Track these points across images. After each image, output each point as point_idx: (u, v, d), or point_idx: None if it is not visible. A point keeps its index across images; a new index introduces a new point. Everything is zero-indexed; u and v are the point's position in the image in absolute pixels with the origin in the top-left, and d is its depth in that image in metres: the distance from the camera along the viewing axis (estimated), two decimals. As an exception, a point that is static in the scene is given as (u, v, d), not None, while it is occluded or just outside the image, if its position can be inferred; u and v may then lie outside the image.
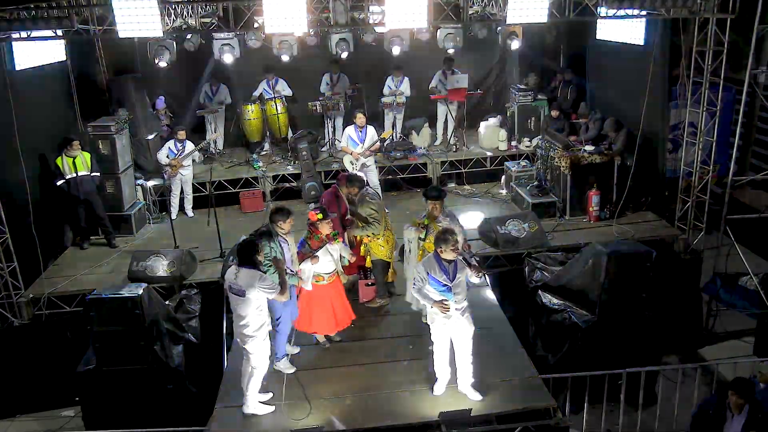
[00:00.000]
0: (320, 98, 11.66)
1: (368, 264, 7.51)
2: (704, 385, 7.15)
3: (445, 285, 5.77)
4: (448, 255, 5.71)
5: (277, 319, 6.36)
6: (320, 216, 6.41)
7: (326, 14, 8.38)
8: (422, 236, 6.75)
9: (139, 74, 11.28)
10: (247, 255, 5.68)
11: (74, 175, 9.07)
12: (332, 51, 11.46)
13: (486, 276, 5.96)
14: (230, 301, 5.85)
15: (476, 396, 6.10)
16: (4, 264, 8.14)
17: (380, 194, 10.03)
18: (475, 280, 5.94)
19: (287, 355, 6.70)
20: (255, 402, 5.99)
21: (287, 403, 6.09)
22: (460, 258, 5.80)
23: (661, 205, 9.80)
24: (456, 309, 5.87)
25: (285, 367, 6.59)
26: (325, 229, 6.45)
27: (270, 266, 6.03)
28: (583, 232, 9.31)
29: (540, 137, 11.11)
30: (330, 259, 6.58)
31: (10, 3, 7.48)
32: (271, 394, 6.16)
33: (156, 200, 10.74)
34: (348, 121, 10.84)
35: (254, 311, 5.72)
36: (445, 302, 5.79)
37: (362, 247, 7.41)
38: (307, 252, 6.43)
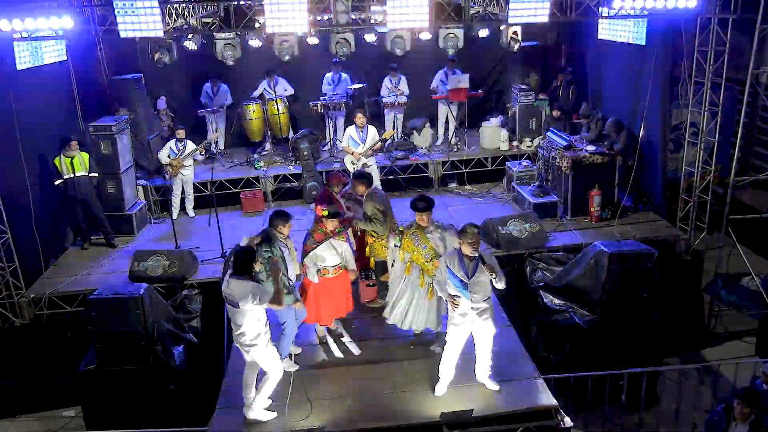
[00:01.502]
0: (321, 98, 11.67)
1: (372, 265, 7.48)
2: (705, 386, 7.14)
3: (463, 282, 5.77)
4: (465, 249, 5.71)
5: (283, 323, 6.37)
6: (325, 213, 6.41)
7: (327, 14, 8.38)
8: (397, 243, 6.71)
9: (140, 74, 11.29)
10: (242, 265, 5.54)
11: (72, 175, 9.07)
12: (333, 51, 11.47)
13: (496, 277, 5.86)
14: (227, 309, 5.76)
15: (494, 386, 6.15)
16: (5, 264, 8.13)
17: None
18: (499, 285, 5.82)
19: (290, 354, 6.69)
20: (260, 408, 5.93)
21: (288, 404, 6.07)
22: (478, 256, 5.77)
23: (662, 206, 9.79)
24: (472, 308, 5.85)
25: (287, 365, 6.58)
26: (330, 225, 6.47)
27: (266, 273, 6.00)
28: (585, 233, 9.30)
29: (541, 137, 11.11)
30: (334, 253, 6.59)
31: (12, 3, 7.48)
32: (269, 401, 6.11)
33: (157, 200, 10.75)
34: (349, 121, 10.84)
35: (251, 321, 5.60)
36: (457, 298, 5.79)
37: (367, 248, 7.40)
38: (311, 245, 6.44)
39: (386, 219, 7.16)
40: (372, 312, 7.58)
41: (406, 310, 6.74)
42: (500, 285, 5.82)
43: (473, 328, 5.99)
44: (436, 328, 6.79)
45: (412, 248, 6.51)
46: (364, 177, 7.53)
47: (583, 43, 11.94)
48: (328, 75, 11.99)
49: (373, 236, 7.22)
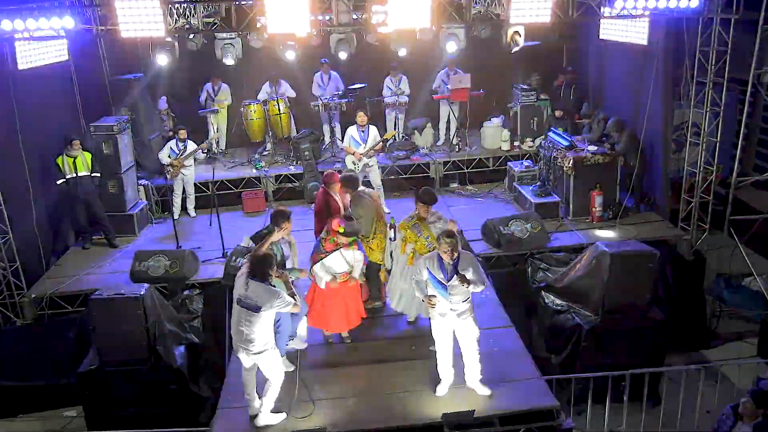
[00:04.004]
0: (321, 98, 11.67)
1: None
2: (708, 386, 7.12)
3: (442, 283, 5.79)
4: (443, 256, 5.74)
5: (278, 321, 6.35)
6: (342, 230, 6.37)
7: (329, 14, 8.36)
8: (391, 237, 6.81)
9: (141, 74, 11.28)
10: (262, 268, 5.55)
11: (74, 174, 9.07)
12: (333, 51, 11.46)
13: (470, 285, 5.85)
14: (235, 312, 5.69)
15: (485, 391, 6.12)
16: (6, 264, 8.13)
17: (383, 195, 10.02)
18: (476, 290, 5.83)
19: (286, 354, 6.68)
20: (267, 413, 5.92)
21: (290, 404, 6.07)
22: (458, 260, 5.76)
23: (664, 206, 9.77)
24: (452, 309, 5.88)
25: (284, 365, 6.57)
26: (343, 240, 6.45)
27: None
28: (586, 233, 9.28)
29: (543, 137, 11.09)
30: (343, 261, 6.59)
31: (13, 2, 7.48)
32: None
33: (158, 200, 10.74)
34: (350, 120, 10.82)
35: (264, 327, 5.61)
36: (433, 298, 5.83)
37: None
38: (321, 253, 6.43)
39: (370, 222, 7.16)
40: (373, 313, 7.58)
41: (411, 299, 6.81)
42: (478, 289, 5.84)
43: (456, 329, 5.99)
44: None
45: (415, 238, 6.59)
46: (351, 181, 7.49)
47: (584, 43, 11.92)
48: (317, 75, 11.96)
49: (359, 239, 7.21)
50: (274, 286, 5.66)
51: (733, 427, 5.50)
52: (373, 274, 7.49)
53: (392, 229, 6.84)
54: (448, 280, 5.76)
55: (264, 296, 5.48)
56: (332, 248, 6.48)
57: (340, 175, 7.68)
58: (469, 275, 5.72)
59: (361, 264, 6.79)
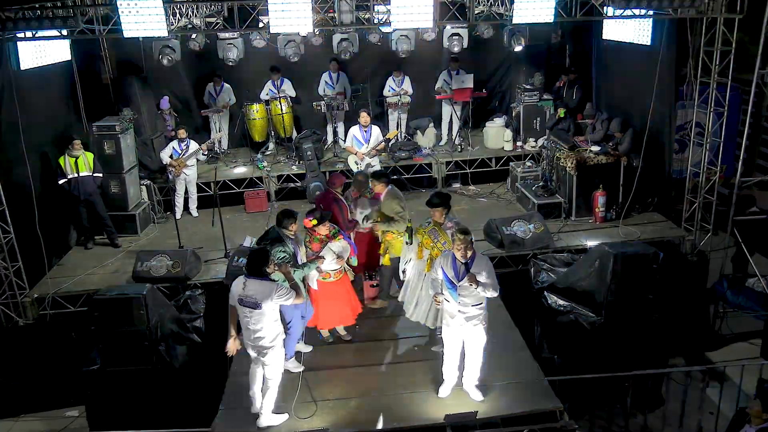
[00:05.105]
0: (324, 98, 11.66)
1: (386, 262, 7.36)
2: (711, 387, 7.11)
3: (452, 283, 5.75)
4: (456, 254, 5.70)
5: (289, 322, 6.35)
6: (314, 222, 6.42)
7: (331, 14, 8.36)
8: (408, 240, 6.77)
9: (143, 74, 11.28)
10: (258, 265, 5.57)
11: (76, 175, 9.07)
12: (336, 51, 11.46)
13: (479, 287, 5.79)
14: (239, 313, 5.71)
15: (478, 396, 6.11)
16: (8, 264, 8.13)
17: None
18: (487, 294, 5.77)
19: (295, 354, 6.69)
20: (269, 413, 5.93)
21: (293, 405, 6.06)
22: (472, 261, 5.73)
23: (667, 206, 9.74)
24: (460, 312, 5.83)
25: (293, 366, 6.60)
26: (323, 230, 6.46)
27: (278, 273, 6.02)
28: (589, 233, 9.26)
29: (545, 137, 11.07)
30: (333, 257, 6.58)
31: (15, 2, 7.48)
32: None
33: (160, 200, 10.74)
34: (353, 120, 10.82)
35: (270, 323, 5.62)
36: (439, 296, 5.82)
37: (382, 245, 7.35)
38: (310, 255, 6.44)
39: (407, 215, 7.12)
40: (376, 313, 7.57)
41: (429, 306, 6.72)
42: (488, 294, 5.76)
43: (463, 332, 5.95)
44: None
45: (431, 245, 6.52)
46: (383, 176, 7.45)
47: (587, 43, 11.89)
48: (325, 74, 11.95)
49: (393, 233, 7.16)
50: (274, 280, 5.67)
51: (740, 429, 5.47)
52: (387, 272, 7.45)
53: (410, 233, 6.77)
54: (459, 280, 5.72)
55: (262, 291, 5.51)
56: (320, 246, 6.49)
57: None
58: (482, 278, 5.66)
59: (348, 251, 6.77)
